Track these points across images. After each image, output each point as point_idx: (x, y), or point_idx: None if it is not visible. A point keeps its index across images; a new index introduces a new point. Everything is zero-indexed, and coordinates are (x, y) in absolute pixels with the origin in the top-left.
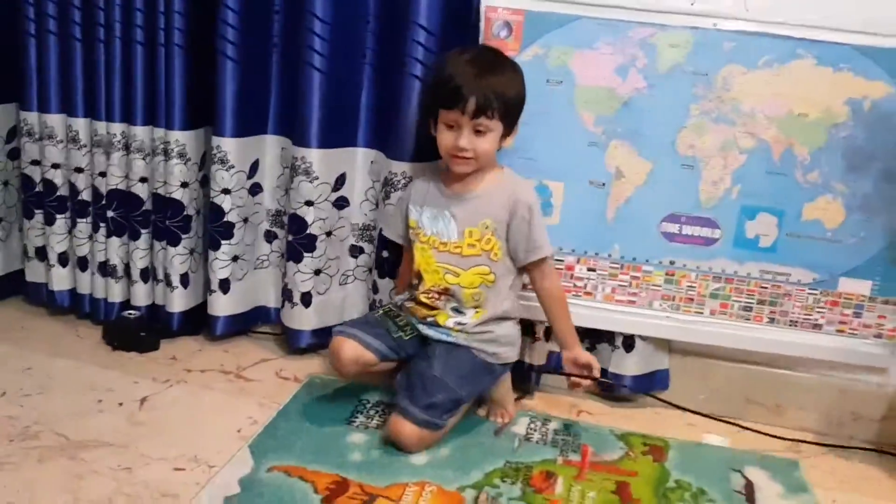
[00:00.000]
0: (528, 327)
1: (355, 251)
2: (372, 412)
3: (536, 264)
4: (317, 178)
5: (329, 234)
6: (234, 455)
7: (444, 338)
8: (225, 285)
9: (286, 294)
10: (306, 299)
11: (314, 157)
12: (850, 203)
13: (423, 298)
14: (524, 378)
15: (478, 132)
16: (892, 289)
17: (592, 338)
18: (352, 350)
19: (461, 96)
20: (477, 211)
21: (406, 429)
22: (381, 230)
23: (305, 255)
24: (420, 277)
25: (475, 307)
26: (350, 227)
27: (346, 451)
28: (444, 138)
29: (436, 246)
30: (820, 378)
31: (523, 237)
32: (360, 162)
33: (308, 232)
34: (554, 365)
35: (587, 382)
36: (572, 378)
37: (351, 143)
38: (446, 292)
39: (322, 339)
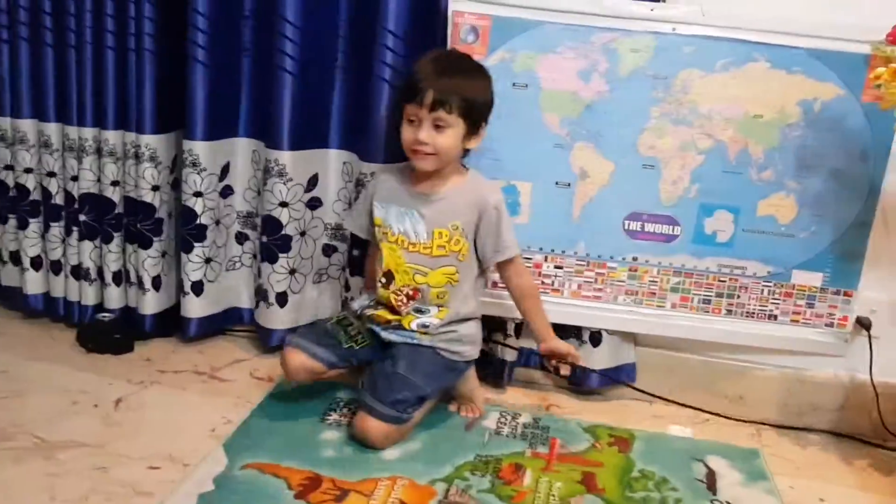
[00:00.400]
0: (500, 324)
1: (328, 250)
2: (345, 410)
3: (508, 263)
4: (290, 180)
5: (303, 234)
6: (209, 454)
7: (408, 341)
8: (198, 287)
9: (261, 294)
10: (281, 299)
11: (287, 158)
12: (802, 199)
13: (392, 299)
14: (497, 374)
15: (437, 127)
16: (842, 280)
17: (560, 333)
18: (299, 360)
19: (419, 89)
20: (445, 212)
21: (372, 424)
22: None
23: (280, 255)
24: (390, 277)
25: (438, 305)
26: (323, 227)
27: (320, 447)
28: (406, 132)
29: (405, 246)
30: (779, 369)
31: (492, 238)
32: (332, 163)
33: (283, 233)
34: (524, 361)
35: (567, 370)
36: (555, 364)
37: (323, 145)
38: (416, 292)
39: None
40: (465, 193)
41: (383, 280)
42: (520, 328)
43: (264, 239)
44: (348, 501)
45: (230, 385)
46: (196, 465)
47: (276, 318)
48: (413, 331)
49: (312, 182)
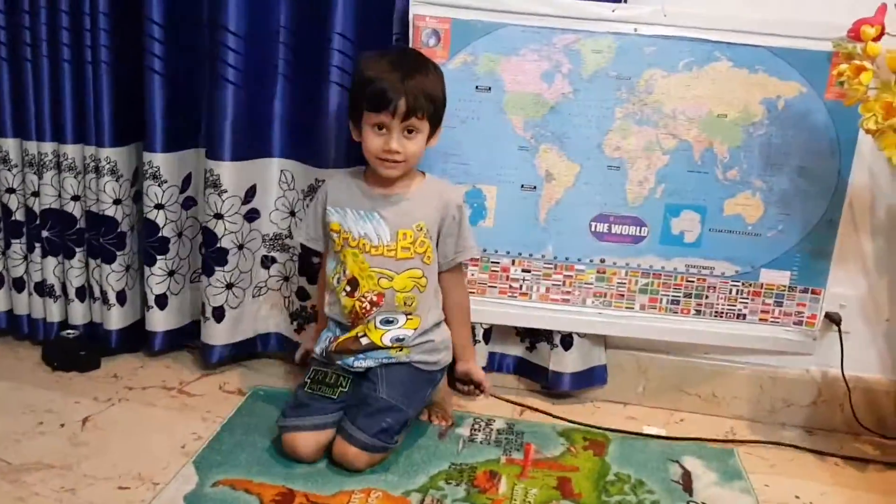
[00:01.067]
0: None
1: (267, 262)
2: None
3: (455, 270)
4: (225, 191)
5: (241, 247)
6: (179, 471)
7: (384, 361)
8: (162, 301)
9: (201, 308)
10: (218, 314)
11: (224, 169)
12: (768, 198)
13: (357, 307)
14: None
15: (408, 132)
16: (810, 278)
17: (532, 337)
18: (306, 441)
19: (388, 98)
20: (408, 213)
21: (354, 452)
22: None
23: (217, 268)
24: (354, 284)
25: (406, 313)
26: (261, 239)
27: (292, 461)
28: (372, 141)
29: (367, 250)
30: (751, 367)
31: (453, 238)
32: (273, 173)
33: (219, 245)
34: (496, 366)
35: (474, 395)
36: (465, 389)
37: (264, 154)
38: (380, 297)
39: (237, 352)
40: (428, 193)
41: (348, 288)
42: (489, 333)
43: (202, 251)
44: None
45: (199, 399)
46: (166, 483)
47: (214, 334)
48: (388, 347)
49: (250, 193)
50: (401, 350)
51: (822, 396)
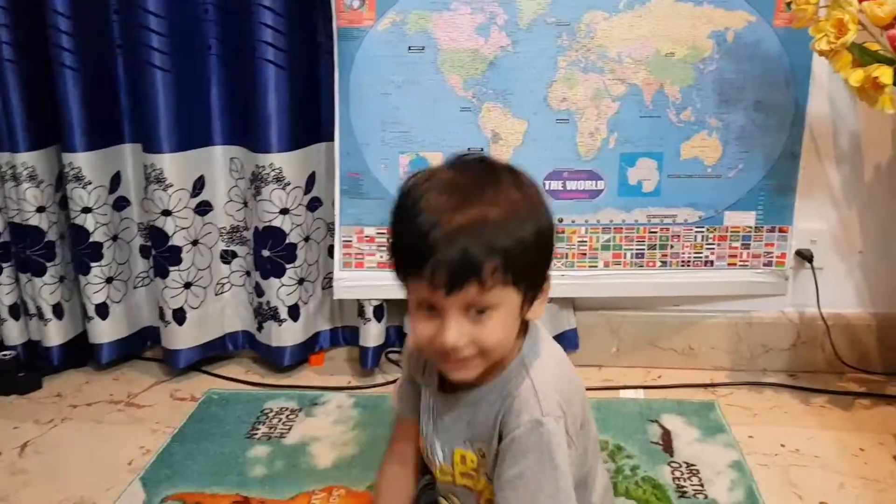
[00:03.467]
0: (359, 308)
1: (227, 256)
2: (275, 421)
3: None
4: (171, 185)
5: (195, 242)
6: (124, 490)
7: None
8: (103, 310)
9: (160, 313)
10: (179, 316)
11: (165, 162)
12: (726, 137)
13: None
14: (362, 362)
15: (477, 312)
16: (776, 216)
17: None
18: None
19: (421, 254)
20: (472, 422)
21: None
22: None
23: (171, 268)
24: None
25: None
26: (217, 232)
27: (247, 467)
28: (421, 329)
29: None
30: (726, 315)
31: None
32: (219, 161)
33: (170, 244)
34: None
35: None
36: None
37: (207, 143)
38: None
39: (205, 354)
40: (494, 393)
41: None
42: (378, 310)
43: (154, 252)
44: None
45: (149, 411)
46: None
47: (177, 338)
48: None
49: (198, 185)
50: None
51: (801, 338)
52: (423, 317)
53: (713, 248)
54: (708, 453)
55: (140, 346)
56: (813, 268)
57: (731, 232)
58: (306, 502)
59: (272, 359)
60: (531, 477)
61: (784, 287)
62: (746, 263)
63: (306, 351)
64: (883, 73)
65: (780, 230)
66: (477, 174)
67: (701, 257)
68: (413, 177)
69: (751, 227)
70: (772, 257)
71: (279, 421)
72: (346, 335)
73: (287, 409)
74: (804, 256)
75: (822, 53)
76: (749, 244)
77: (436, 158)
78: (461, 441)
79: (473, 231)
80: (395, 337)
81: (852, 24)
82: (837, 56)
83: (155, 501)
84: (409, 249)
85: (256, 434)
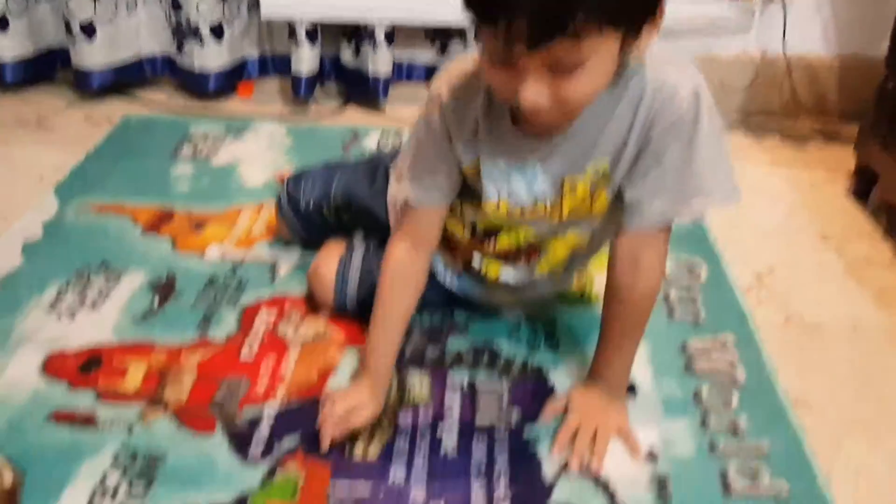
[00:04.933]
0: (290, 31)
1: None
2: (201, 144)
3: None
4: None
5: None
6: (36, 202)
7: None
8: (2, 23)
9: (66, 26)
10: (88, 30)
11: None
12: None
13: None
14: (368, 92)
15: (559, 70)
16: None
17: (446, 39)
18: None
19: (498, 5)
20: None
21: None
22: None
23: None
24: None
25: None
26: None
27: (172, 183)
28: (498, 84)
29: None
30: (685, 49)
31: (673, 175)
32: None
33: None
34: (405, 74)
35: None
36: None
37: None
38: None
39: (120, 77)
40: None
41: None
42: (391, 36)
43: None
44: (208, 230)
45: (61, 133)
46: (20, 216)
47: (89, 55)
48: None
49: None
50: None
51: (760, 78)
52: (499, 71)
53: None
54: None
55: (50, 68)
56: (784, 3)
57: None
58: (236, 214)
59: (195, 85)
60: (705, 148)
61: (750, 22)
62: None
63: (233, 78)
64: None
65: None
66: None
67: None
68: None
69: None
70: None
71: (206, 143)
72: (276, 62)
73: (214, 133)
74: None
75: None
76: None
77: None
78: (568, 168)
79: None
80: (331, 67)
81: None
82: None
83: (69, 210)
84: None
85: (181, 153)
